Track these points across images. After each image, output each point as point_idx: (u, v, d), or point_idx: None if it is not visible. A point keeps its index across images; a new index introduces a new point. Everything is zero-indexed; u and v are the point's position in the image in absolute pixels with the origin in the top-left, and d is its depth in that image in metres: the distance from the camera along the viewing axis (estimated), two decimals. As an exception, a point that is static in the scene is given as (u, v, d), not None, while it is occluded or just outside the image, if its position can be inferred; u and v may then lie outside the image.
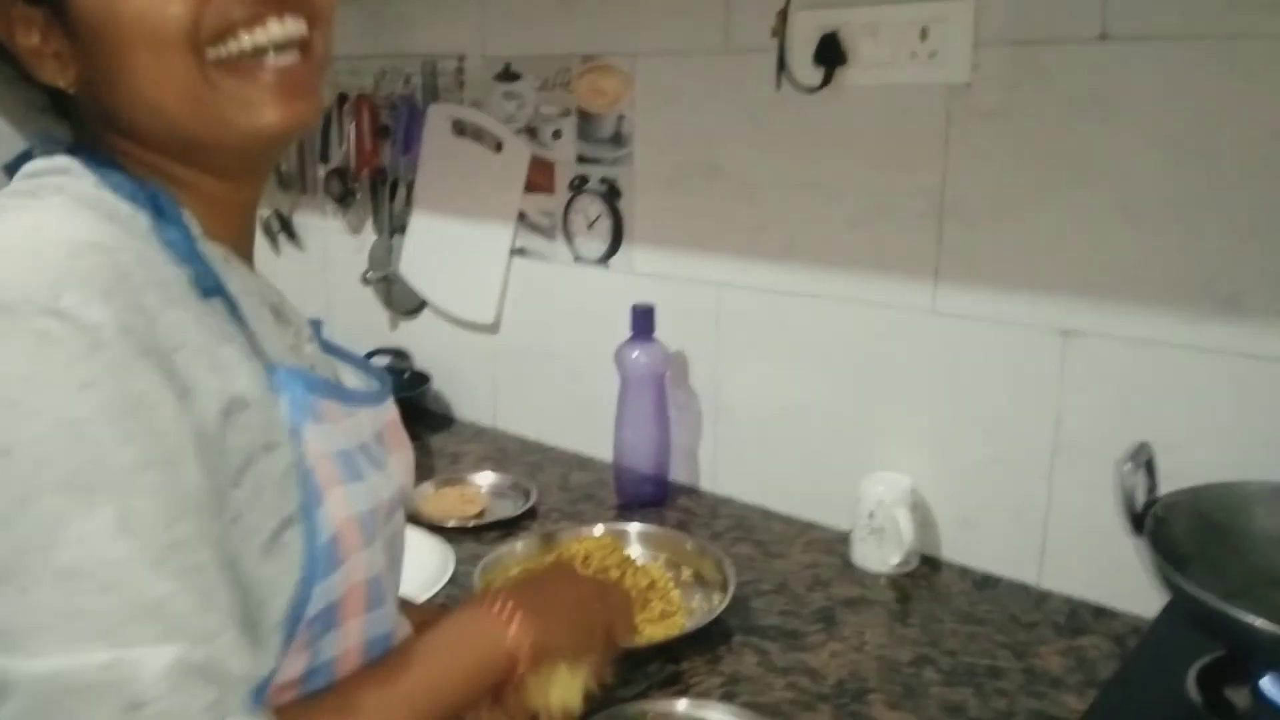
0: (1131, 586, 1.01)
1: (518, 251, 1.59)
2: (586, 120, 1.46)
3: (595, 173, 1.47)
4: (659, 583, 1.08)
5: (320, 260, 1.91)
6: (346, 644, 0.61)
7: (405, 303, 1.76)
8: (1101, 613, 1.07)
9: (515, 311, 1.62)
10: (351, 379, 0.73)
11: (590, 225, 1.49)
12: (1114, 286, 1.04)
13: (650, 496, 1.37)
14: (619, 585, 0.77)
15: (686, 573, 1.15)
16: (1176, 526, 0.83)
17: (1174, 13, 0.96)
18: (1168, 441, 0.94)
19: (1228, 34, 0.94)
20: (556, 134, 1.50)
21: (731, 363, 1.37)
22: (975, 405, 1.15)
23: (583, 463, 1.51)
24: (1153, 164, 1.00)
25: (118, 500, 0.47)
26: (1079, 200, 1.05)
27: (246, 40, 0.57)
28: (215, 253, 0.60)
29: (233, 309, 0.58)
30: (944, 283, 1.15)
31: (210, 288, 0.56)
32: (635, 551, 1.17)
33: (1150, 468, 0.86)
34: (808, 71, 1.20)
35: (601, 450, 1.45)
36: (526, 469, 1.48)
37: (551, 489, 1.41)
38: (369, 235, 1.77)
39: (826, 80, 1.19)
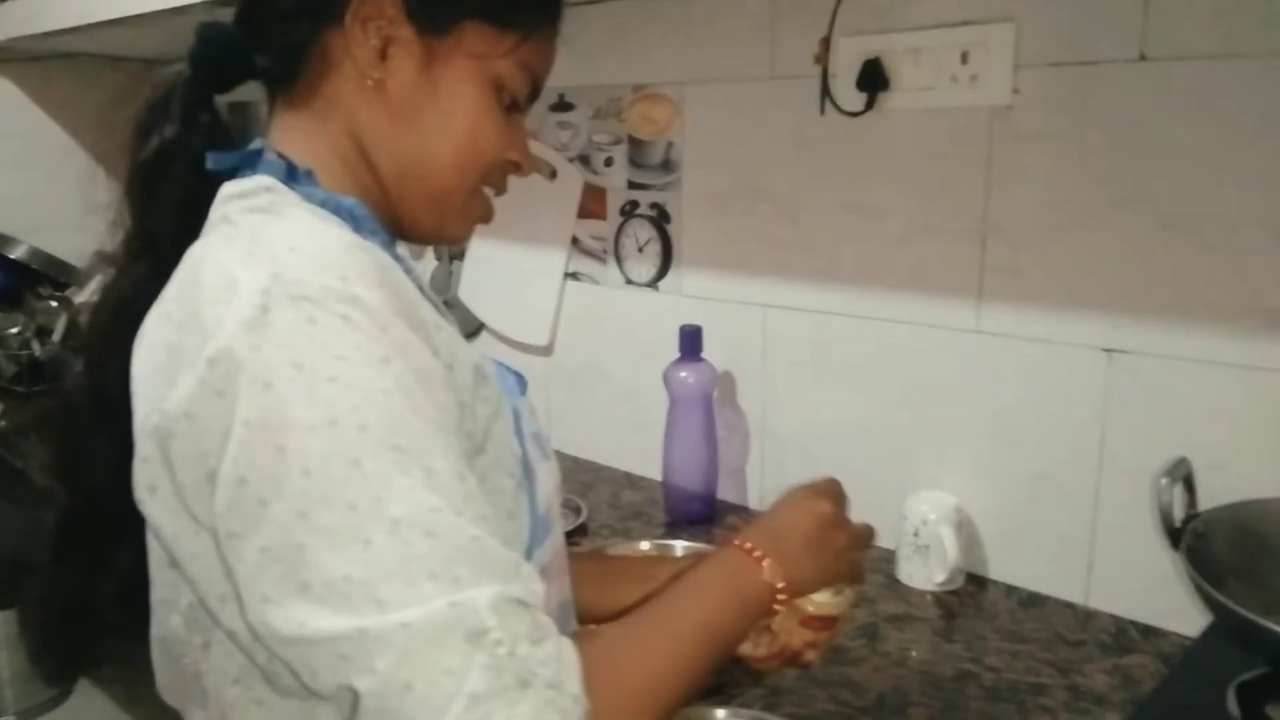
0: (1180, 605, 1.00)
1: (571, 275, 1.63)
2: (637, 147, 1.50)
3: (645, 198, 1.51)
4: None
5: (383, 286, 1.97)
6: (548, 608, 0.65)
7: (464, 326, 1.82)
8: (1150, 631, 1.06)
9: (568, 334, 1.66)
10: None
11: (640, 249, 1.53)
12: (1157, 304, 1.04)
13: (698, 514, 1.39)
14: (842, 507, 0.79)
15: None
16: (1216, 542, 0.83)
17: (1213, 33, 0.97)
18: (1213, 459, 0.94)
19: (1267, 52, 0.94)
20: (608, 161, 1.54)
21: (778, 383, 1.39)
22: (1020, 423, 1.16)
23: (633, 481, 1.54)
24: (1195, 182, 1.00)
25: (422, 459, 0.52)
26: (1121, 219, 1.05)
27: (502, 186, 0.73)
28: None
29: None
30: (987, 302, 1.17)
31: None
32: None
33: (1190, 483, 0.86)
34: (851, 96, 1.22)
35: (651, 469, 1.47)
36: (578, 487, 1.51)
37: (602, 507, 1.44)
38: (430, 261, 1.84)
39: (870, 105, 1.21)
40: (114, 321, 0.66)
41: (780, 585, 0.70)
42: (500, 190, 0.74)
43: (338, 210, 0.64)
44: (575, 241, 1.62)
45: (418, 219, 0.70)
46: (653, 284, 1.52)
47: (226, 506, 0.52)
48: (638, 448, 1.52)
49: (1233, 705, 0.80)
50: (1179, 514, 0.85)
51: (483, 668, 0.49)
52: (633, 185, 1.52)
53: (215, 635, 0.58)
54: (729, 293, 1.42)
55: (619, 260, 1.56)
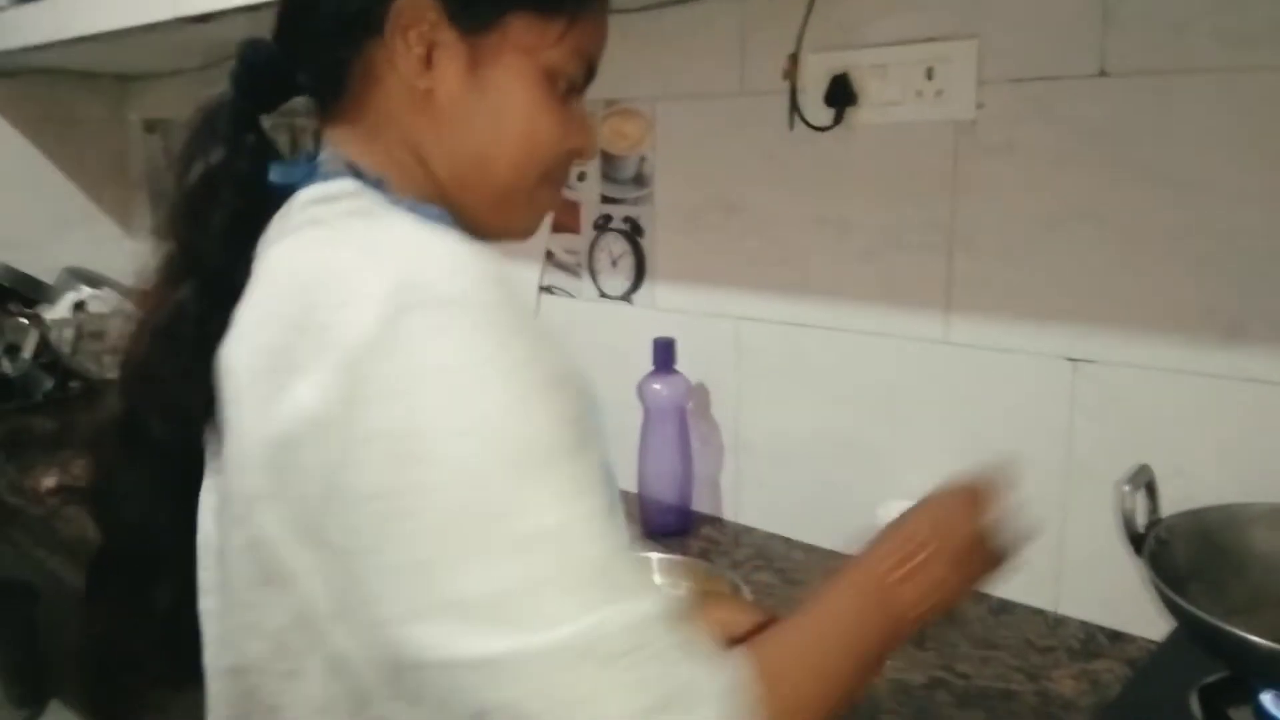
0: (1146, 611, 1.01)
1: (545, 289, 1.64)
2: (610, 162, 1.51)
3: (618, 212, 1.52)
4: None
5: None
6: None
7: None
8: (1117, 637, 1.08)
9: (543, 347, 1.66)
10: None
11: (614, 263, 1.54)
12: (1120, 314, 1.06)
13: (674, 526, 1.40)
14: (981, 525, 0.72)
15: (706, 599, 1.17)
16: (1178, 548, 0.84)
17: (1170, 50, 0.99)
18: (1176, 465, 0.96)
19: (1222, 69, 0.97)
20: (581, 176, 1.55)
21: (751, 394, 1.40)
22: (988, 432, 1.17)
23: (609, 494, 1.54)
24: (1154, 195, 1.02)
25: (553, 472, 0.50)
26: (1084, 231, 1.07)
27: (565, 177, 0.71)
28: None
29: None
30: (955, 313, 1.18)
31: None
32: (656, 580, 1.20)
33: (1151, 490, 0.87)
34: (819, 112, 1.24)
35: (626, 481, 1.47)
36: (554, 500, 1.51)
37: (578, 519, 1.44)
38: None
39: (837, 120, 1.23)
40: (152, 348, 0.64)
41: (919, 612, 0.65)
42: (564, 182, 0.71)
43: (424, 217, 0.61)
44: (549, 255, 1.62)
45: (482, 220, 0.68)
46: (626, 297, 1.53)
47: (354, 520, 0.49)
48: (612, 460, 1.52)
49: (1195, 708, 0.82)
50: (1141, 520, 0.86)
51: (628, 688, 0.47)
52: (606, 199, 1.53)
53: (308, 661, 0.55)
54: (702, 305, 1.43)
55: (593, 274, 1.57)
